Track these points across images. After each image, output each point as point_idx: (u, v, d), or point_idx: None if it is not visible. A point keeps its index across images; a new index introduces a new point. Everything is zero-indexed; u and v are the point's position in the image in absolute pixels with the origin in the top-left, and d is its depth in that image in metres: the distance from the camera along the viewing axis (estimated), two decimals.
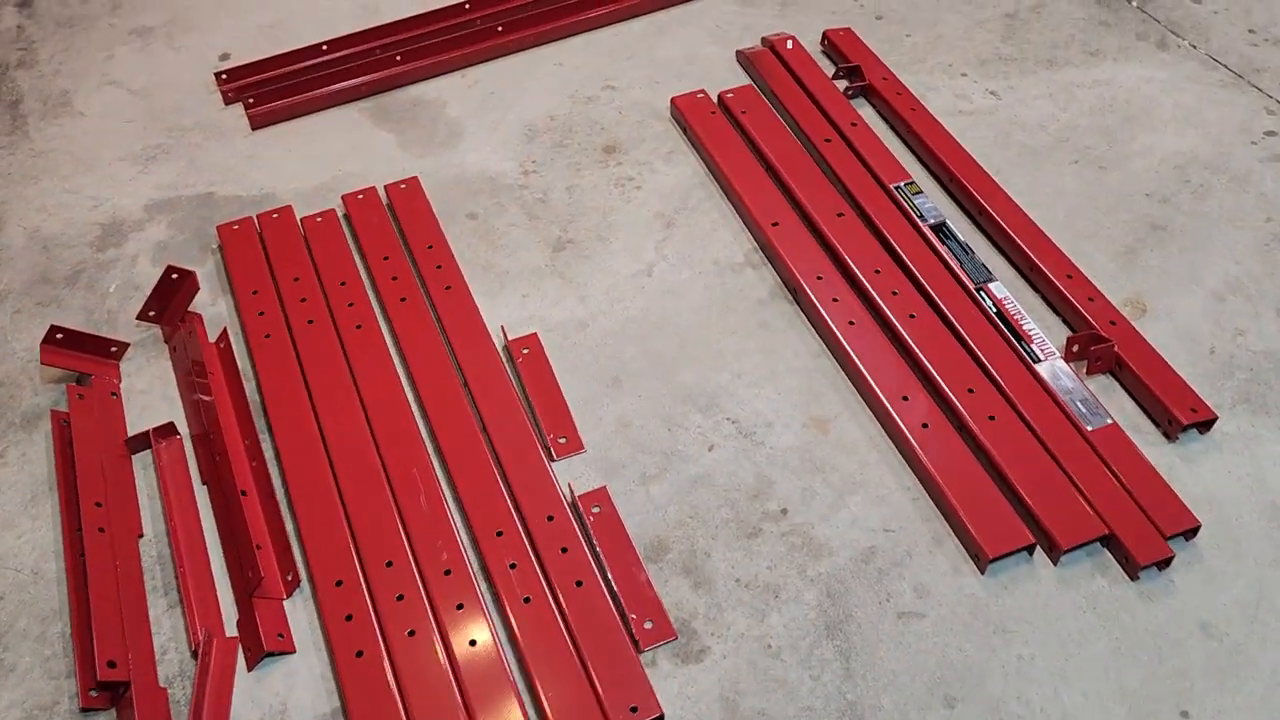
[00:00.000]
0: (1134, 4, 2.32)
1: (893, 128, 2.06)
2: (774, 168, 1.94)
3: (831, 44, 2.22)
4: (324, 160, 2.07)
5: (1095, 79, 2.14)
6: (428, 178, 2.00)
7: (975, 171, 1.90)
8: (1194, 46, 2.20)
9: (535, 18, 2.33)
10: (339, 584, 1.39)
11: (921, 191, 1.86)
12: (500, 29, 2.32)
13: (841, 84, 2.13)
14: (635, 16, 2.38)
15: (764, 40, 2.25)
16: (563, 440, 1.57)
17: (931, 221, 1.81)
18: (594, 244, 1.87)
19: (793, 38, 2.23)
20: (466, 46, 2.29)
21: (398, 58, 2.26)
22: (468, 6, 2.38)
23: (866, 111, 2.10)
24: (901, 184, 1.87)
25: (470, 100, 2.19)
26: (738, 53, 2.24)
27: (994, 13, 2.33)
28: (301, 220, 1.89)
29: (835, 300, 1.69)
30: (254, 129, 2.15)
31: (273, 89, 2.19)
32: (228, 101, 2.21)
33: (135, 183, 2.03)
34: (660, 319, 1.74)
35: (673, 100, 2.10)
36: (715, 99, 2.10)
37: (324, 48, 2.29)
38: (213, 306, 1.80)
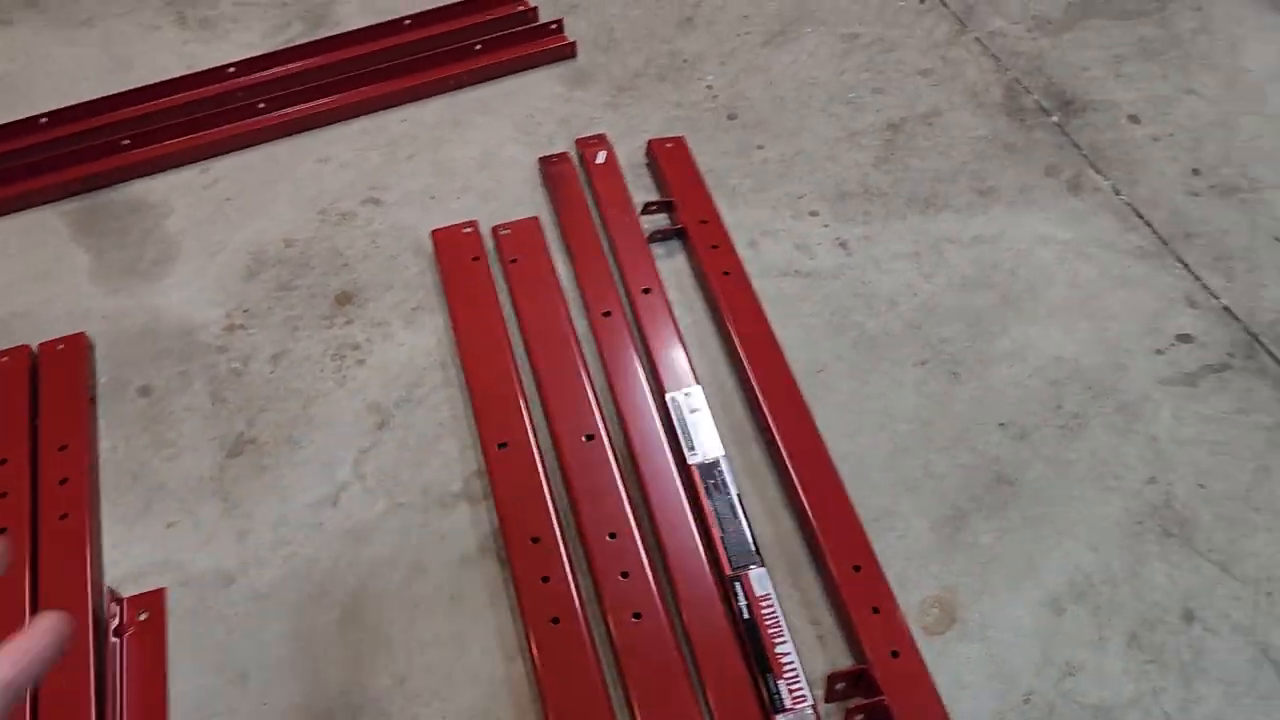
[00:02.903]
0: (1054, 119, 1.82)
1: (703, 294, 1.62)
2: (530, 351, 1.51)
3: (654, 157, 1.76)
4: None
5: (977, 234, 1.67)
6: (111, 325, 1.60)
7: (779, 380, 1.46)
8: (1116, 191, 1.71)
9: (308, 92, 1.88)
10: None
11: (700, 409, 1.43)
12: (262, 105, 1.87)
13: (652, 220, 1.68)
14: (435, 95, 1.92)
15: (576, 144, 1.80)
16: None
17: (700, 460, 1.38)
18: (280, 448, 1.46)
19: (607, 147, 1.76)
20: (215, 128, 1.85)
21: (126, 141, 1.83)
22: (232, 70, 1.94)
23: (678, 263, 1.66)
24: (679, 393, 1.44)
25: (201, 208, 1.76)
26: (540, 160, 1.78)
27: (875, 120, 1.84)
28: None
29: (545, 580, 1.28)
30: None
31: None
32: None
33: None
34: (327, 577, 1.34)
35: (433, 233, 1.66)
36: (490, 234, 1.67)
37: (43, 120, 1.86)
38: None
